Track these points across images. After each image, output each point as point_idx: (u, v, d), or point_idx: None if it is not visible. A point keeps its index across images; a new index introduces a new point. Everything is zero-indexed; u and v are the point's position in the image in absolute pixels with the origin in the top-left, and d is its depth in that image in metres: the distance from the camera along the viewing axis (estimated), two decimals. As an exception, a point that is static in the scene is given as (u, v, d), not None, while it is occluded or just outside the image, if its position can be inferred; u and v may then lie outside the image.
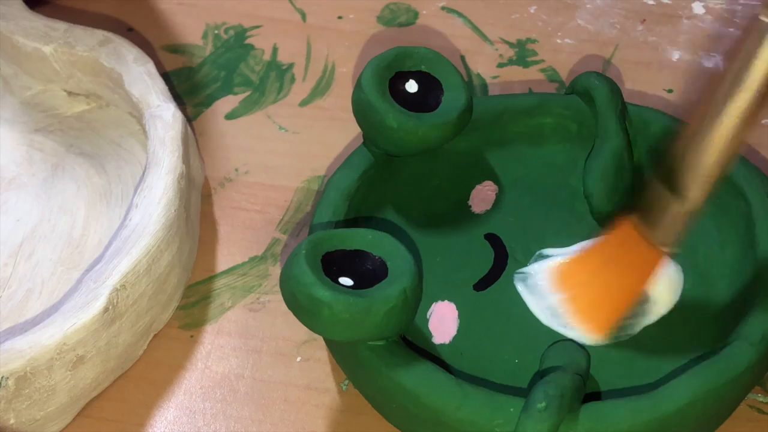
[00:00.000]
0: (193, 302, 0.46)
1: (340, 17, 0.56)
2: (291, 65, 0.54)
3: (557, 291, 0.42)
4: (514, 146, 0.48)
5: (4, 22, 0.50)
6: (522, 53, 0.54)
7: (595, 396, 0.41)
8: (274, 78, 0.53)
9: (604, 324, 0.42)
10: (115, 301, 0.41)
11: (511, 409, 0.38)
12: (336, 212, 0.44)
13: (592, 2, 0.56)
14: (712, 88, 0.37)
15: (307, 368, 0.44)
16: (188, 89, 0.53)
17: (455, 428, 0.39)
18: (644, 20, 0.55)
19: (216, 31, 0.55)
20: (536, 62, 0.54)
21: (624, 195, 0.46)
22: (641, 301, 0.42)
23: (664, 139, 0.44)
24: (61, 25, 0.50)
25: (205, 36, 0.55)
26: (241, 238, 0.48)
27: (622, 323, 0.42)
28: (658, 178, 0.39)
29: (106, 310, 0.41)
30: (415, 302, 0.40)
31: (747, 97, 0.36)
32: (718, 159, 0.37)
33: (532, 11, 0.56)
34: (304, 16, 0.56)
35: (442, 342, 0.43)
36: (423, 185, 0.47)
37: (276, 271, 0.47)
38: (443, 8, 0.56)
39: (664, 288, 0.43)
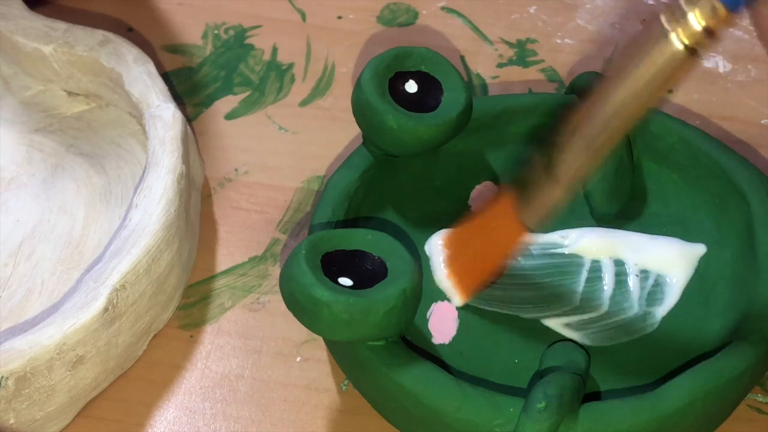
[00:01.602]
0: (192, 302, 0.46)
1: (340, 17, 0.56)
2: (291, 65, 0.54)
3: (442, 250, 0.44)
4: (514, 146, 0.48)
5: (4, 22, 0.50)
6: (522, 53, 0.54)
7: (595, 396, 0.41)
8: (274, 78, 0.53)
9: (468, 288, 0.43)
10: (114, 301, 0.41)
11: (511, 409, 0.38)
12: (336, 212, 0.44)
13: (592, 2, 0.56)
14: (601, 81, 0.37)
15: (306, 368, 0.44)
16: (188, 89, 0.53)
17: (455, 428, 0.39)
18: (644, 20, 0.55)
19: (216, 31, 0.55)
20: (536, 62, 0.54)
21: (624, 195, 0.46)
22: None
23: (552, 122, 0.45)
24: (61, 25, 0.50)
25: (205, 36, 0.55)
26: (241, 238, 0.48)
27: (483, 290, 0.43)
28: (539, 159, 0.39)
29: (106, 310, 0.41)
30: (415, 302, 0.40)
31: (623, 99, 0.37)
32: (592, 150, 0.38)
33: (532, 11, 0.56)
34: (304, 16, 0.56)
35: (441, 342, 0.43)
36: (423, 185, 0.47)
37: (276, 271, 0.47)
38: (443, 8, 0.56)
39: (677, 267, 0.44)
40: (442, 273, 0.44)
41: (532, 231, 0.41)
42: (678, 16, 0.35)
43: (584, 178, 0.39)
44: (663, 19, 0.35)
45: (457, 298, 0.43)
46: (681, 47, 0.35)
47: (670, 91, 0.52)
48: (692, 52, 0.35)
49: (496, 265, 0.43)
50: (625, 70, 0.36)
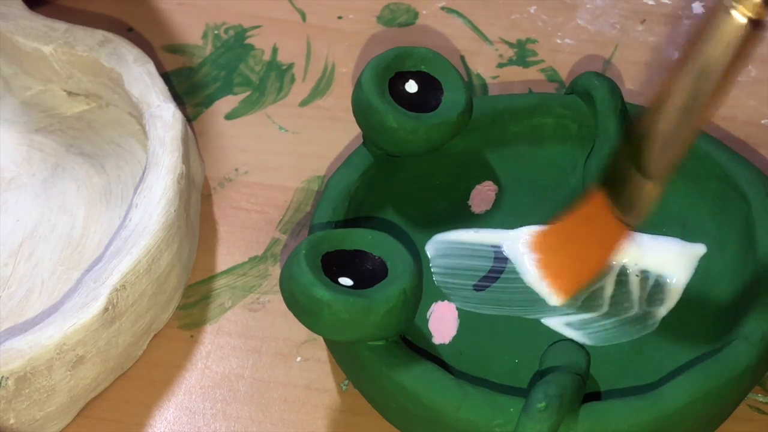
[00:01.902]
0: (193, 302, 0.46)
1: (340, 17, 0.56)
2: (291, 65, 0.54)
3: (532, 252, 0.44)
4: (514, 146, 0.48)
5: (4, 22, 0.50)
6: (522, 53, 0.54)
7: (595, 396, 0.41)
8: (274, 78, 0.53)
9: (568, 289, 0.43)
10: (115, 301, 0.41)
11: (511, 409, 0.38)
12: (336, 212, 0.44)
13: (592, 2, 0.56)
14: (674, 69, 0.37)
15: (307, 368, 0.44)
16: (188, 89, 0.53)
17: (455, 428, 0.39)
18: (644, 20, 0.55)
19: (216, 31, 0.55)
20: (536, 62, 0.54)
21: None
22: (605, 274, 0.43)
23: (634, 119, 0.45)
24: (61, 25, 0.50)
25: (205, 36, 0.55)
26: (241, 238, 0.48)
27: (585, 291, 0.43)
28: (626, 156, 0.39)
29: (106, 310, 0.41)
30: (415, 302, 0.40)
31: (698, 83, 0.37)
32: (677, 140, 0.38)
33: (532, 11, 0.56)
34: (304, 16, 0.56)
35: (442, 342, 0.43)
36: (423, 185, 0.47)
37: (276, 271, 0.47)
38: (443, 8, 0.56)
39: (677, 267, 0.44)
40: (534, 275, 0.44)
41: (632, 229, 0.41)
42: None
43: (675, 167, 0.39)
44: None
45: (555, 298, 0.43)
46: (744, 21, 0.35)
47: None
48: (756, 24, 0.35)
49: (602, 265, 0.43)
50: (694, 53, 0.36)
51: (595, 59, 0.54)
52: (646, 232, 0.45)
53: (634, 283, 0.44)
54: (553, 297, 0.43)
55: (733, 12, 0.35)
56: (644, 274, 0.44)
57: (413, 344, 0.42)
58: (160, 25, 0.56)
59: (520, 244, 0.44)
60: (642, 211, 0.40)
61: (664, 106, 0.38)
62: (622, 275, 0.44)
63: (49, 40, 0.49)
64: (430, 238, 0.46)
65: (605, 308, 0.43)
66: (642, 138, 0.38)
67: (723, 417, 0.41)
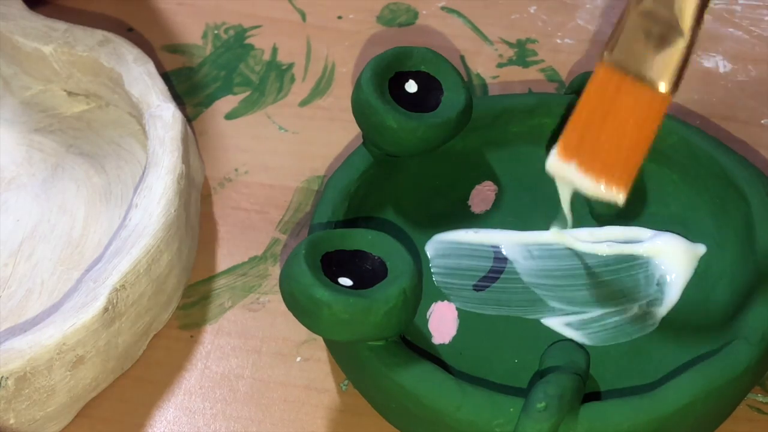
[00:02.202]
0: (193, 302, 0.46)
1: (339, 17, 0.56)
2: (291, 65, 0.54)
3: (567, 164, 0.39)
4: (514, 146, 0.48)
5: (4, 22, 0.50)
6: (522, 53, 0.54)
7: (595, 396, 0.41)
8: (274, 78, 0.53)
9: (626, 180, 0.39)
10: (114, 301, 0.41)
11: (511, 409, 0.38)
12: (336, 212, 0.44)
13: (592, 2, 0.56)
14: None
15: (306, 368, 0.44)
16: (188, 89, 0.53)
17: (455, 428, 0.39)
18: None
19: (216, 31, 0.55)
20: (536, 62, 0.54)
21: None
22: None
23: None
24: (60, 25, 0.50)
25: (204, 36, 0.55)
26: (241, 238, 0.48)
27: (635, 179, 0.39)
28: (640, 15, 0.36)
29: (105, 310, 0.41)
30: (415, 302, 0.40)
31: None
32: None
33: (532, 11, 0.56)
34: (303, 16, 0.56)
35: (441, 342, 0.43)
36: (423, 185, 0.47)
37: (276, 271, 0.47)
38: (443, 8, 0.56)
39: (679, 263, 0.43)
40: (585, 182, 0.39)
41: (673, 89, 0.37)
42: None
43: (702, 16, 0.35)
44: None
45: (620, 196, 0.38)
46: None
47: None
48: None
49: (647, 144, 0.38)
50: None
51: (595, 59, 0.54)
52: (649, 228, 0.45)
53: (637, 274, 0.44)
54: (618, 195, 0.38)
55: None
56: (647, 266, 0.44)
57: (413, 344, 0.42)
58: (160, 25, 0.56)
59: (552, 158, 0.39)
60: (678, 67, 0.37)
61: None
62: (626, 266, 0.44)
63: (49, 40, 0.49)
64: (430, 238, 0.46)
65: (605, 308, 0.43)
66: None
67: (723, 417, 0.41)
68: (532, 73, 0.53)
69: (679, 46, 0.36)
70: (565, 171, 0.39)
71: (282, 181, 0.49)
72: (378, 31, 0.55)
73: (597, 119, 0.38)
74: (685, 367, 0.40)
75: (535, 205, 0.46)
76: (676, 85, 0.37)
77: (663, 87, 0.37)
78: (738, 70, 0.53)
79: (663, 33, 0.36)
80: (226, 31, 0.55)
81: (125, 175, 0.48)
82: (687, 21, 0.36)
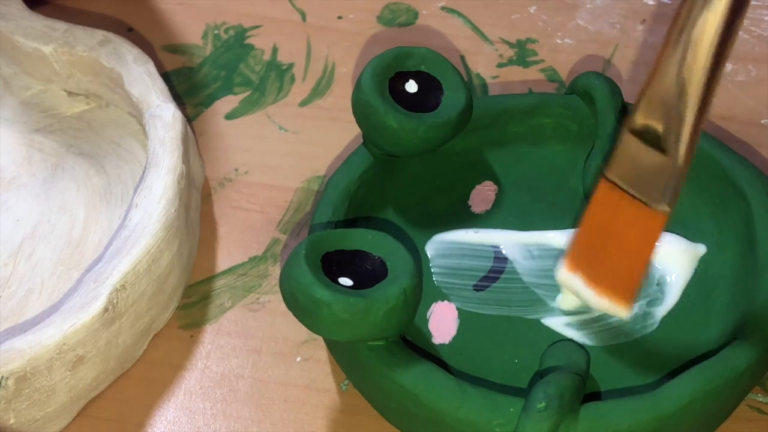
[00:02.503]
0: (193, 302, 0.46)
1: (340, 17, 0.56)
2: (291, 65, 0.54)
3: (574, 276, 0.40)
4: (514, 146, 0.48)
5: (4, 22, 0.50)
6: (522, 53, 0.54)
7: (595, 396, 0.41)
8: (274, 78, 0.53)
9: (628, 298, 0.39)
10: (115, 301, 0.41)
11: (511, 409, 0.38)
12: (336, 212, 0.44)
13: (592, 2, 0.56)
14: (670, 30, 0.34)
15: (307, 368, 0.44)
16: (188, 89, 0.53)
17: (455, 428, 0.39)
18: (644, 20, 0.55)
19: (216, 31, 0.55)
20: (536, 62, 0.54)
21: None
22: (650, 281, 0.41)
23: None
24: (61, 25, 0.50)
25: (205, 36, 0.55)
26: (241, 238, 0.48)
27: (641, 291, 0.40)
28: (633, 133, 0.36)
29: (106, 310, 0.41)
30: (415, 302, 0.40)
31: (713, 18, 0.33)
32: (693, 101, 0.34)
33: (532, 11, 0.56)
34: (304, 16, 0.56)
35: (441, 342, 0.43)
36: (423, 185, 0.47)
37: (276, 271, 0.47)
38: (443, 8, 0.56)
39: (678, 265, 0.43)
40: (591, 297, 0.40)
41: (670, 209, 0.37)
42: None
43: (695, 133, 0.35)
44: None
45: (623, 312, 0.40)
46: None
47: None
48: None
49: (648, 260, 0.39)
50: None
51: (595, 59, 0.54)
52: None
53: None
54: (620, 312, 0.40)
55: None
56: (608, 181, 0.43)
57: (413, 344, 0.42)
58: (160, 25, 0.56)
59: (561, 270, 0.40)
60: (672, 190, 0.36)
61: (665, 64, 0.34)
62: None
63: (49, 40, 0.49)
64: (430, 238, 0.46)
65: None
66: (654, 109, 0.35)
67: (723, 417, 0.41)
68: (532, 73, 0.53)
69: (677, 164, 0.36)
70: (572, 283, 0.40)
71: (282, 181, 0.49)
72: (378, 31, 0.55)
73: (599, 236, 0.39)
74: (685, 367, 0.40)
75: (535, 205, 0.46)
76: (674, 201, 0.37)
77: (661, 206, 0.37)
78: (738, 70, 0.53)
79: (657, 151, 0.36)
80: (226, 31, 0.55)
81: (125, 175, 0.48)
82: (683, 139, 0.35)
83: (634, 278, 0.39)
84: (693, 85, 0.34)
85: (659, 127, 0.35)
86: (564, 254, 0.41)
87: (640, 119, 0.36)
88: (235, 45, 0.55)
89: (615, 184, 0.38)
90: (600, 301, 0.40)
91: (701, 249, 0.44)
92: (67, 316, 0.40)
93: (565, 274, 0.41)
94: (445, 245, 0.45)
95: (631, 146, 0.37)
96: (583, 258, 0.40)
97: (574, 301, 0.43)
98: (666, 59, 0.34)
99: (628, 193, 0.37)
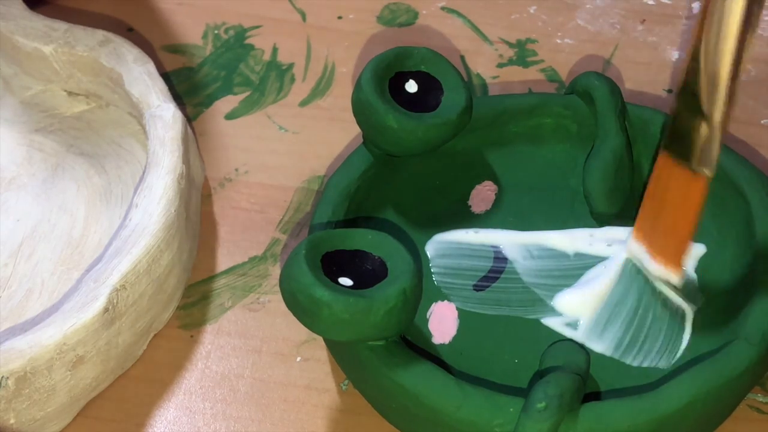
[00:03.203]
0: (193, 302, 0.46)
1: (340, 17, 0.56)
2: (291, 65, 0.54)
3: (639, 245, 0.43)
4: (514, 146, 0.48)
5: (4, 22, 0.50)
6: (522, 53, 0.54)
7: (595, 396, 0.41)
8: (274, 78, 0.53)
9: (678, 262, 0.42)
10: (115, 301, 0.41)
11: (511, 409, 0.38)
12: (336, 212, 0.44)
13: (592, 2, 0.56)
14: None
15: (307, 368, 0.44)
16: (188, 89, 0.53)
17: (455, 428, 0.39)
18: (644, 20, 0.55)
19: (216, 31, 0.55)
20: (536, 62, 0.54)
21: (624, 195, 0.46)
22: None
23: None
24: (61, 25, 0.50)
25: (205, 36, 0.55)
26: (241, 238, 0.48)
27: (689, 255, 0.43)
28: (682, 104, 0.39)
29: (106, 310, 0.41)
30: (415, 302, 0.40)
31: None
32: (724, 69, 0.38)
33: (532, 11, 0.56)
34: (304, 16, 0.56)
35: (442, 342, 0.43)
36: (423, 185, 0.47)
37: (276, 271, 0.47)
38: (443, 8, 0.56)
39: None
40: (651, 264, 0.43)
41: (711, 174, 0.40)
42: None
43: (729, 98, 0.38)
44: None
45: (675, 277, 0.43)
46: None
47: (670, 91, 0.52)
48: None
49: (694, 225, 0.42)
50: None
51: (595, 59, 0.54)
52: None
53: (639, 276, 0.44)
54: (671, 276, 0.42)
55: None
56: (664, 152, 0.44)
57: (413, 344, 0.42)
58: (160, 25, 0.56)
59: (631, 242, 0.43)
60: (710, 155, 0.39)
61: (706, 36, 0.37)
62: (627, 268, 0.44)
63: (49, 40, 0.49)
64: (430, 238, 0.46)
65: (611, 305, 0.43)
66: (693, 77, 0.38)
67: (723, 417, 0.41)
68: (532, 73, 0.53)
69: (713, 126, 0.39)
70: (638, 252, 0.43)
71: (282, 181, 0.49)
72: (378, 31, 0.55)
73: (657, 204, 0.42)
74: (685, 367, 0.40)
75: (535, 205, 0.46)
76: (712, 164, 0.40)
77: (701, 169, 0.40)
78: (738, 70, 0.53)
79: (698, 116, 0.39)
80: (226, 31, 0.55)
81: (125, 175, 0.48)
82: (717, 102, 0.38)
83: (680, 242, 0.42)
84: (725, 53, 0.38)
85: (698, 92, 0.39)
86: (634, 227, 0.43)
87: (686, 87, 0.39)
88: (235, 45, 0.55)
89: (668, 156, 0.41)
90: (657, 268, 0.42)
91: (701, 249, 0.45)
92: (67, 316, 0.40)
93: (633, 244, 0.43)
94: (445, 245, 0.45)
95: (678, 113, 0.40)
96: (644, 227, 0.43)
97: (573, 306, 0.43)
98: (705, 32, 0.38)
99: (678, 160, 0.40)
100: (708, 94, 0.38)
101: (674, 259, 0.42)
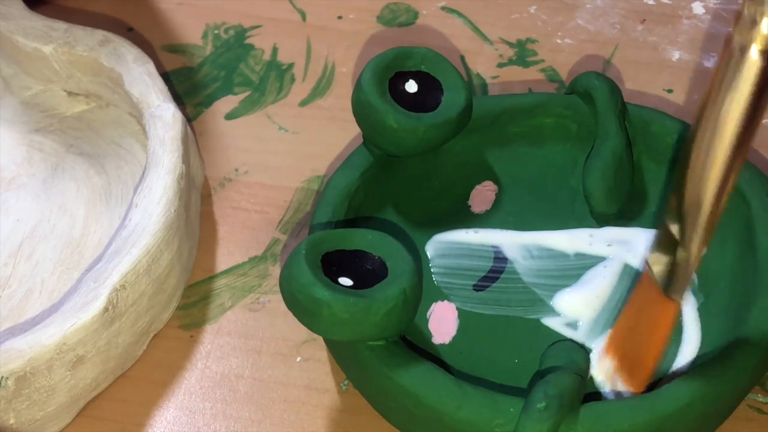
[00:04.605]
0: (193, 302, 0.46)
1: (340, 17, 0.56)
2: (291, 65, 0.54)
3: (609, 359, 0.42)
4: (514, 146, 0.48)
5: (4, 22, 0.50)
6: (522, 53, 0.54)
7: (595, 396, 0.41)
8: (274, 78, 0.53)
9: (642, 381, 0.41)
10: (114, 301, 0.41)
11: (511, 409, 0.38)
12: (336, 212, 0.44)
13: (592, 2, 0.56)
14: (697, 121, 0.36)
15: (307, 368, 0.44)
16: (188, 89, 0.53)
17: (455, 428, 0.39)
18: (644, 20, 0.55)
19: (216, 31, 0.55)
20: (536, 62, 0.54)
21: (624, 195, 0.46)
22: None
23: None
24: (61, 25, 0.50)
25: (205, 36, 0.55)
26: (241, 238, 0.48)
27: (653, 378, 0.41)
28: (666, 228, 0.38)
29: (105, 310, 0.41)
30: (415, 302, 0.40)
31: (726, 137, 0.34)
32: (702, 199, 0.36)
33: (532, 11, 0.56)
34: (304, 16, 0.56)
35: (442, 342, 0.43)
36: (423, 185, 0.47)
37: (276, 271, 0.47)
38: (443, 8, 0.56)
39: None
40: (616, 382, 0.41)
41: (678, 305, 0.39)
42: (749, 27, 0.32)
43: (710, 234, 0.37)
44: (736, 38, 0.33)
45: (633, 393, 0.41)
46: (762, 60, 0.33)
47: (670, 91, 0.52)
48: None
49: (662, 348, 0.41)
50: (716, 108, 0.34)
51: (595, 59, 0.54)
52: (648, 228, 0.45)
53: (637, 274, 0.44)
54: (630, 391, 0.41)
55: (752, 52, 0.33)
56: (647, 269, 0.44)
57: (413, 344, 0.42)
58: (160, 25, 0.56)
59: (596, 356, 0.42)
60: (683, 283, 0.39)
61: (691, 169, 0.36)
62: (628, 269, 0.44)
63: (49, 40, 0.49)
64: (430, 238, 0.46)
65: (611, 306, 0.43)
66: (676, 206, 0.37)
67: (723, 417, 0.41)
68: (532, 73, 0.53)
69: (689, 260, 0.38)
70: (605, 366, 0.42)
71: (282, 181, 0.49)
72: (378, 31, 0.55)
73: (631, 322, 0.41)
74: (685, 368, 0.40)
75: (535, 205, 0.46)
76: (680, 294, 0.39)
77: (674, 296, 0.39)
78: (738, 70, 0.53)
79: (677, 246, 0.38)
80: (226, 31, 0.55)
81: (125, 175, 0.48)
82: (695, 240, 0.37)
83: (647, 365, 0.41)
84: (709, 194, 0.36)
85: (678, 226, 0.37)
86: (606, 340, 0.42)
87: (668, 214, 0.38)
88: (235, 45, 0.55)
89: (651, 278, 0.40)
90: (622, 385, 0.41)
91: None
92: (67, 316, 0.40)
93: (602, 357, 0.42)
94: (445, 245, 0.45)
95: (661, 236, 0.38)
96: (615, 344, 0.42)
97: (573, 306, 0.43)
98: (691, 172, 0.36)
99: (655, 281, 0.39)
100: (689, 222, 0.37)
101: (642, 380, 0.41)
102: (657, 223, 0.39)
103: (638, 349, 0.41)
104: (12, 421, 0.40)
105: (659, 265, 0.39)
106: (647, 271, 0.40)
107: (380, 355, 0.40)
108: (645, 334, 0.40)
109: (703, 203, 0.36)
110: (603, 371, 0.41)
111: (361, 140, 0.46)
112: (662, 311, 0.40)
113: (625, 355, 0.41)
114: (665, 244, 0.38)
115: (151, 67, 0.48)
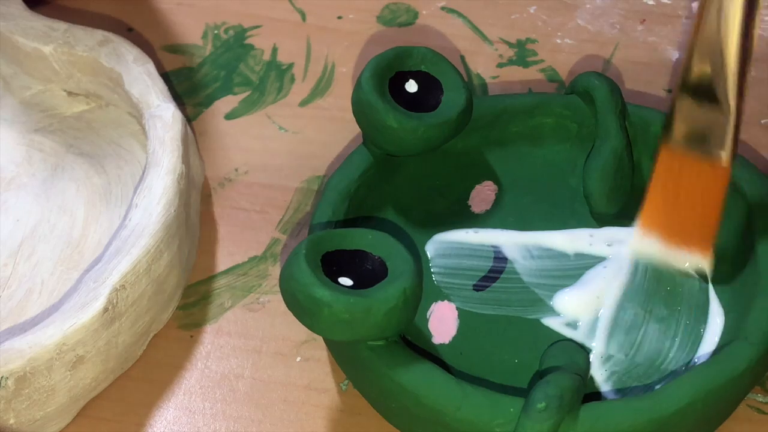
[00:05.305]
0: (192, 302, 0.46)
1: (339, 17, 0.56)
2: (291, 65, 0.54)
3: (650, 237, 0.42)
4: (514, 146, 0.48)
5: (4, 22, 0.50)
6: (522, 53, 0.54)
7: (595, 396, 0.41)
8: (274, 78, 0.53)
9: (706, 245, 0.41)
10: (114, 301, 0.41)
11: (511, 409, 0.38)
12: (336, 212, 0.44)
13: (592, 2, 0.56)
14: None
15: (306, 368, 0.44)
16: (188, 89, 0.53)
17: (455, 428, 0.39)
18: (644, 20, 0.55)
19: (216, 31, 0.55)
20: (536, 62, 0.54)
21: (624, 195, 0.46)
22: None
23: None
24: (60, 25, 0.50)
25: (204, 36, 0.55)
26: (240, 238, 0.48)
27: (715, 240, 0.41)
28: (686, 93, 0.38)
29: (105, 310, 0.41)
30: (415, 302, 0.40)
31: None
32: (737, 49, 0.36)
33: (532, 11, 0.56)
34: (303, 16, 0.56)
35: (442, 342, 0.43)
36: (423, 185, 0.47)
37: (276, 271, 0.47)
38: (443, 8, 0.56)
39: None
40: (670, 252, 0.42)
41: (730, 165, 0.39)
42: None
43: (742, 80, 0.37)
44: None
45: (704, 260, 0.42)
46: None
47: (670, 91, 0.52)
48: None
49: (719, 211, 0.41)
50: None
51: (595, 59, 0.54)
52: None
53: (640, 275, 0.44)
54: (702, 261, 0.42)
55: None
56: (649, 267, 0.44)
57: (413, 344, 0.42)
58: (160, 25, 0.56)
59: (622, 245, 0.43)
60: (725, 138, 0.38)
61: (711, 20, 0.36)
62: (628, 268, 0.44)
63: (49, 40, 0.49)
64: (430, 238, 0.46)
65: (611, 305, 0.43)
66: (701, 68, 0.37)
67: (723, 417, 0.41)
68: (532, 73, 0.53)
69: (729, 114, 0.38)
70: (649, 247, 0.42)
71: (282, 181, 0.49)
72: (378, 31, 0.55)
73: (669, 198, 0.41)
74: (685, 367, 0.40)
75: (535, 205, 0.46)
76: (732, 152, 0.39)
77: (723, 161, 0.39)
78: (738, 70, 0.53)
79: (710, 105, 0.38)
80: (226, 31, 0.55)
81: (125, 175, 0.48)
82: (731, 86, 0.37)
83: (708, 228, 0.41)
84: (733, 31, 0.36)
85: (710, 79, 0.37)
86: (638, 221, 0.43)
87: (692, 74, 0.37)
88: (235, 45, 0.55)
89: (675, 148, 0.39)
90: (679, 255, 0.41)
91: None
92: (67, 316, 0.40)
93: (639, 240, 0.42)
94: (445, 245, 0.45)
95: (685, 106, 0.38)
96: (656, 220, 0.42)
97: (573, 306, 0.43)
98: (707, 11, 0.36)
99: (690, 154, 0.39)
100: (721, 76, 0.37)
101: (702, 245, 0.41)
102: (675, 100, 0.38)
103: (691, 218, 0.41)
104: (12, 421, 0.40)
105: (689, 136, 0.38)
106: (667, 150, 0.39)
107: (380, 355, 0.40)
108: (694, 202, 0.40)
109: (727, 44, 0.36)
110: (649, 251, 0.42)
111: (361, 140, 0.46)
112: (708, 176, 0.39)
113: (673, 228, 0.41)
114: (691, 111, 0.38)
115: (150, 67, 0.48)
